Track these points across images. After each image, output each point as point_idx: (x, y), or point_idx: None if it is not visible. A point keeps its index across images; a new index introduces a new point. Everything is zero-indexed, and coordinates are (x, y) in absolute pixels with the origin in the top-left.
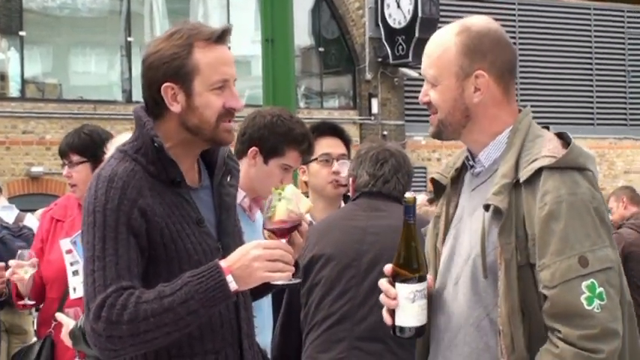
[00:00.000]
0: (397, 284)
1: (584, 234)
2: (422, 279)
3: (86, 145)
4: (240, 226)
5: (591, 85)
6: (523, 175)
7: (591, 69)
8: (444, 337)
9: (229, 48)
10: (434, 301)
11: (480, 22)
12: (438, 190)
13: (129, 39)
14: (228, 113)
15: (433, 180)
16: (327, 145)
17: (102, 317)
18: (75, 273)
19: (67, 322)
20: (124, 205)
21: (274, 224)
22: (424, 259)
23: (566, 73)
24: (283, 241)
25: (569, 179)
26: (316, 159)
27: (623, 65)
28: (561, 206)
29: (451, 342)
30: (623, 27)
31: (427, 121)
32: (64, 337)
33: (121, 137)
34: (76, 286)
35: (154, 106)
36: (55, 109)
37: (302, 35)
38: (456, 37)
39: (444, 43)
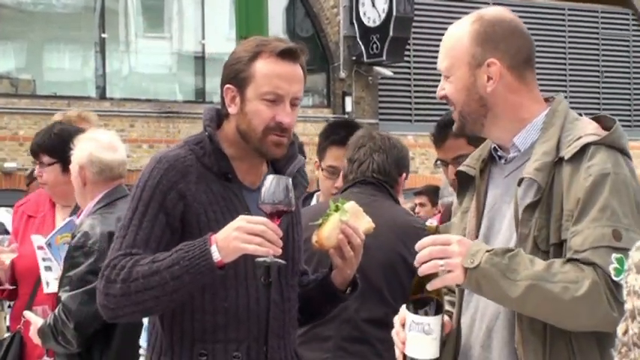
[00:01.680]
0: (406, 311)
1: (623, 212)
2: (438, 311)
3: (55, 146)
4: (300, 234)
5: (565, 86)
6: (568, 152)
7: (565, 69)
8: (478, 333)
9: (302, 68)
10: (466, 294)
11: (494, 11)
12: (464, 183)
13: (103, 35)
14: (277, 127)
15: (458, 173)
16: (333, 157)
17: (104, 276)
18: (47, 269)
19: (35, 320)
20: (163, 184)
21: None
22: (441, 293)
23: (540, 74)
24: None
25: (613, 157)
26: (323, 168)
27: (597, 66)
28: (607, 179)
29: (488, 336)
30: (597, 28)
31: (401, 120)
32: (33, 335)
33: (90, 134)
34: (49, 281)
35: (223, 104)
36: (28, 105)
37: (276, 33)
38: (470, 26)
39: (458, 33)
